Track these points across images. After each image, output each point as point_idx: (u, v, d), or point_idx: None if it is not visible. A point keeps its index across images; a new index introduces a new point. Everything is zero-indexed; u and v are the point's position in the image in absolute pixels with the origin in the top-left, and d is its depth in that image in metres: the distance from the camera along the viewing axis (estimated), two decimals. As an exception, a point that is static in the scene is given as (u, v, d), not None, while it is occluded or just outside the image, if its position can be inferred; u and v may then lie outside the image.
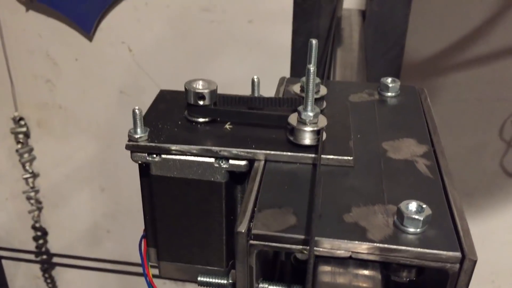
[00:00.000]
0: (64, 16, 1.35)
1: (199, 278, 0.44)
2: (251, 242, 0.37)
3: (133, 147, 0.45)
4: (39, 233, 1.70)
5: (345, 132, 0.47)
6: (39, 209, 1.67)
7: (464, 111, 1.27)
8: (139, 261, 0.56)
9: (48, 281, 1.78)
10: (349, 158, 0.44)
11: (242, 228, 0.37)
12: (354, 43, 0.78)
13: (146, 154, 0.45)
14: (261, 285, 0.41)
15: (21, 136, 1.55)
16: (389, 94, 0.56)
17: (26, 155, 1.58)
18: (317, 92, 0.50)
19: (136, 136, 0.45)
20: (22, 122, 1.54)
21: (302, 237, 0.36)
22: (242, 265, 0.38)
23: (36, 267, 1.77)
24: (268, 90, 0.59)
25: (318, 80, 0.49)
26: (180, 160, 0.45)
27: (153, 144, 0.45)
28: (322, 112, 0.49)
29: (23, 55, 1.44)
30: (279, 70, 0.78)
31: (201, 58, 1.34)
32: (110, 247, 1.69)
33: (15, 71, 1.47)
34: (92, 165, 1.58)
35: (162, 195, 0.47)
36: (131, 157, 0.46)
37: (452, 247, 0.35)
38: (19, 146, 1.56)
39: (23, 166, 1.60)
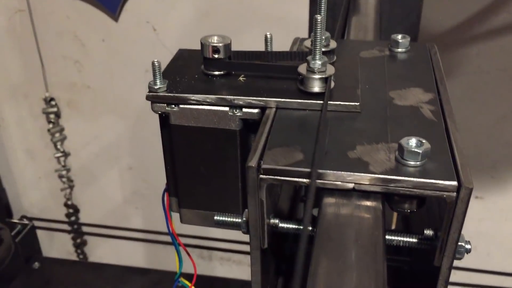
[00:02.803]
0: (90, -3, 1.39)
1: (215, 217, 0.47)
2: (261, 176, 0.40)
3: (153, 98, 0.48)
4: (71, 210, 1.76)
5: (353, 82, 0.49)
6: (71, 187, 1.74)
7: (487, 83, 1.27)
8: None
9: (81, 256, 1.85)
10: (355, 104, 0.46)
11: (253, 163, 0.39)
12: (369, 9, 0.79)
13: (165, 105, 0.49)
14: (272, 220, 0.43)
15: (52, 116, 1.60)
16: (399, 49, 0.57)
17: (57, 135, 1.64)
18: (327, 45, 0.52)
19: (156, 87, 0.48)
20: (53, 103, 1.59)
21: (308, 170, 0.39)
22: (254, 199, 0.41)
23: (69, 242, 1.84)
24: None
25: (327, 34, 0.52)
26: (197, 109, 0.48)
27: (171, 95, 0.48)
28: (332, 64, 0.52)
29: (52, 37, 1.49)
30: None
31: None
32: (139, 223, 1.75)
33: (45, 52, 1.52)
34: (120, 144, 1.63)
35: (181, 144, 0.50)
36: (152, 107, 0.49)
37: (449, 177, 0.37)
38: (51, 126, 1.62)
39: (55, 145, 1.66)
